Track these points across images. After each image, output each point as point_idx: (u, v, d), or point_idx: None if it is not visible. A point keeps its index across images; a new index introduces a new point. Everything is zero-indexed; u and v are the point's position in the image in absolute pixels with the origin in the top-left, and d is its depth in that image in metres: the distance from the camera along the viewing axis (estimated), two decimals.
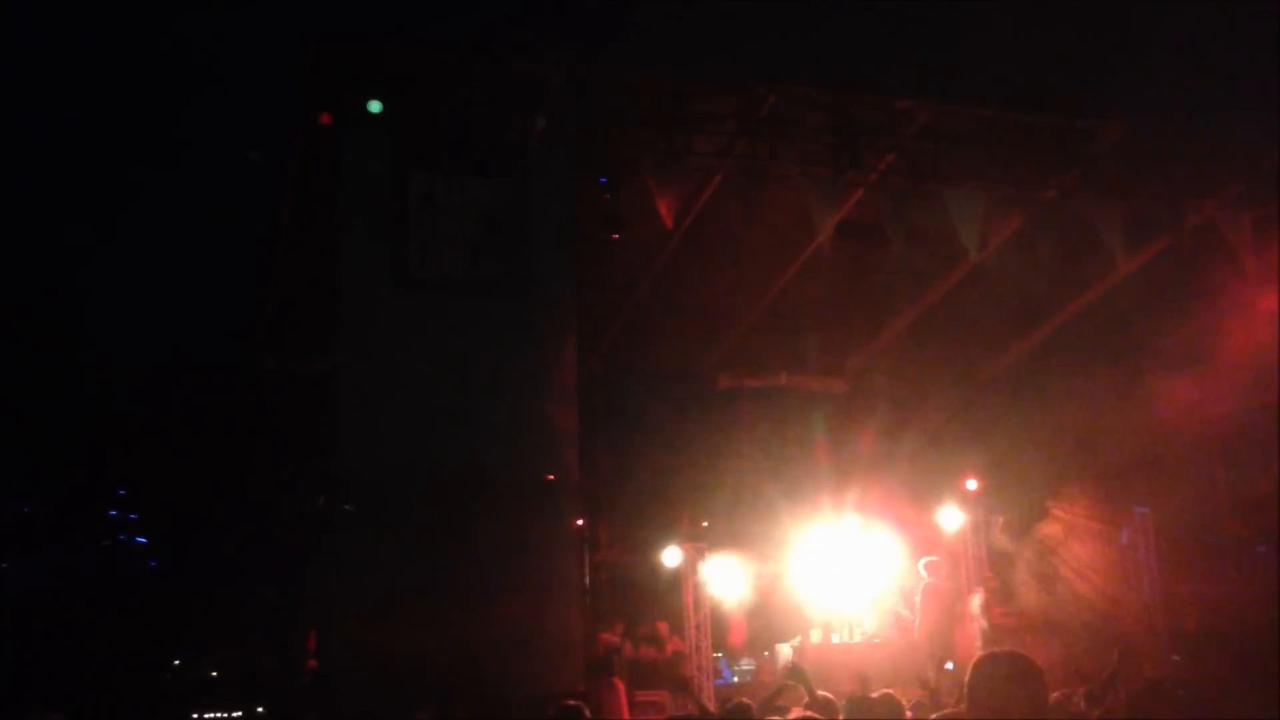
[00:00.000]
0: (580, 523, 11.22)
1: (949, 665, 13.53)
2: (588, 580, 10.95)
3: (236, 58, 11.03)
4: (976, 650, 11.59)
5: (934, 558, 14.84)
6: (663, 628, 15.26)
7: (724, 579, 15.08)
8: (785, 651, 14.37)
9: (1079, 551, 15.62)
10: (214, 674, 16.90)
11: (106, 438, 14.82)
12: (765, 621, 15.65)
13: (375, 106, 10.46)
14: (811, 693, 6.67)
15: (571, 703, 6.84)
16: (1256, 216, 13.43)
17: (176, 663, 15.49)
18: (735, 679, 16.60)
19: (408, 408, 10.17)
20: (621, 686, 12.63)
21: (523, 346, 10.84)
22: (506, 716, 9.88)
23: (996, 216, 13.50)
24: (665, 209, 11.57)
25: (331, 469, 10.11)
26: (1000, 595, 15.17)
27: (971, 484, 15.75)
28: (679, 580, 15.12)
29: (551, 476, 10.90)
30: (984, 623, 14.49)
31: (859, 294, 15.34)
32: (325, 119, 10.35)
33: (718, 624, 15.06)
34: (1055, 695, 8.02)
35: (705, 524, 15.66)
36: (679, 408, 16.04)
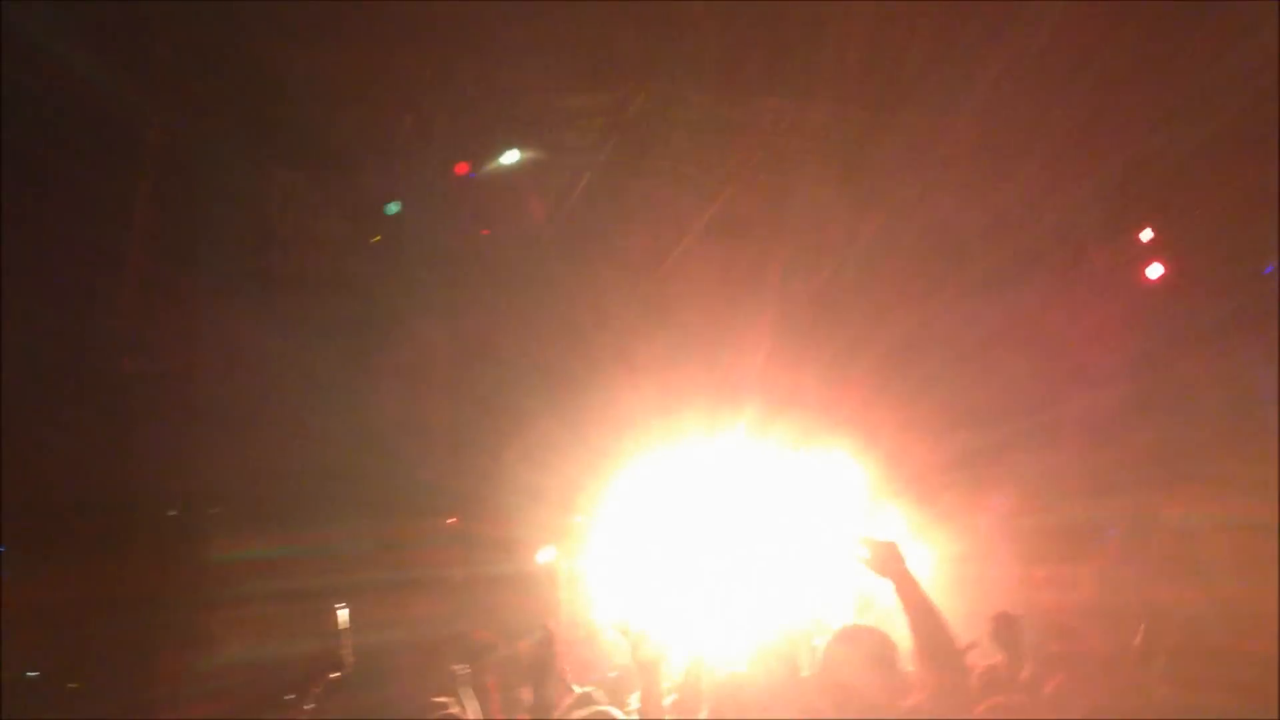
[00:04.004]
0: (451, 521, 11.13)
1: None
2: (460, 578, 10.84)
3: (88, 53, 10.60)
4: None
5: None
6: (549, 624, 15.13)
7: (603, 575, 15.05)
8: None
9: (942, 541, 15.98)
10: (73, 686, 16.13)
11: None
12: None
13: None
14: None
15: (441, 700, 6.80)
16: (1105, 211, 14.05)
17: (33, 673, 14.78)
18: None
19: (269, 410, 9.98)
20: (494, 685, 12.52)
21: (390, 345, 10.72)
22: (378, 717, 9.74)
23: (861, 214, 13.81)
24: (533, 207, 11.56)
25: (189, 476, 9.83)
26: None
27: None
28: (556, 577, 15.03)
29: (424, 476, 10.81)
30: None
31: (732, 292, 15.47)
32: None
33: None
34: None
35: (578, 519, 15.60)
36: (555, 405, 15.92)
